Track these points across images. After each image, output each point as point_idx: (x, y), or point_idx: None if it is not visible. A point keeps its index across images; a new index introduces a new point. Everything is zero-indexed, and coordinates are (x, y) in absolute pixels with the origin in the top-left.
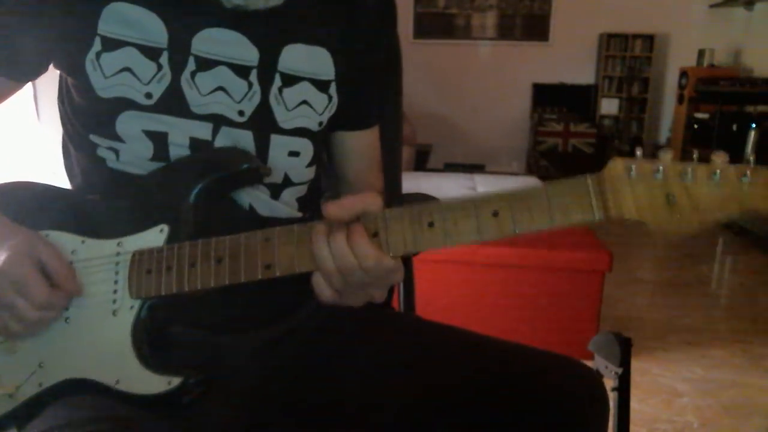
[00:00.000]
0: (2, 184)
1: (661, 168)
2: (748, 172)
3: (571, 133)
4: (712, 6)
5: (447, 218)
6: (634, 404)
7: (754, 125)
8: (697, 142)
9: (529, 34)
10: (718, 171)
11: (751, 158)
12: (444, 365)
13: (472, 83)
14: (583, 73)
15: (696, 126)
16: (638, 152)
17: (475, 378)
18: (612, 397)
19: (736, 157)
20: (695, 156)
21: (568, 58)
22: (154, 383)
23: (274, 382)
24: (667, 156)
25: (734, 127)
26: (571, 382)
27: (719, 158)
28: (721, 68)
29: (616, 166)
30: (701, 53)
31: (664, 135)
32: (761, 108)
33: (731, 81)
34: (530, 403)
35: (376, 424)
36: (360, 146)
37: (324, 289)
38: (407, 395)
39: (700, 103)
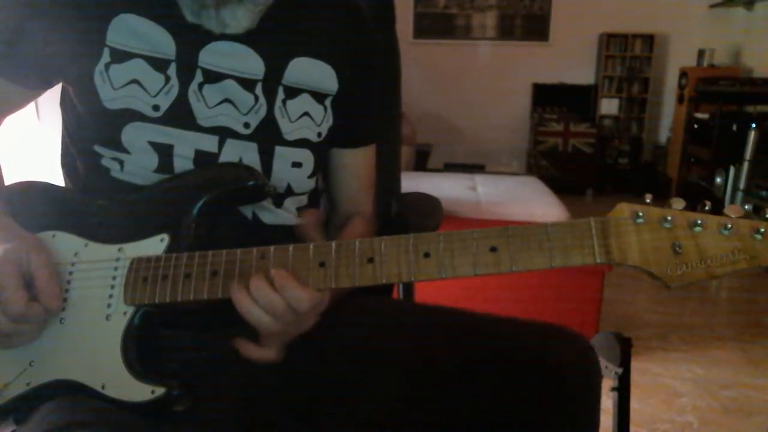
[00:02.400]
0: (15, 183)
1: (670, 217)
2: (763, 229)
3: (571, 133)
4: (712, 6)
5: (444, 250)
6: (634, 404)
7: (754, 125)
8: (697, 142)
9: (529, 34)
10: (729, 224)
11: (767, 215)
12: (439, 346)
13: (472, 83)
14: (583, 73)
15: (696, 126)
16: (648, 199)
17: (469, 354)
18: (612, 397)
19: (737, 157)
20: (707, 207)
21: (568, 58)
22: (137, 391)
23: (268, 377)
24: (677, 204)
25: (734, 127)
26: (560, 349)
27: (733, 212)
28: (721, 68)
29: (623, 210)
30: (701, 53)
31: (664, 135)
32: (761, 108)
33: (731, 81)
34: (521, 373)
35: (376, 417)
36: (353, 164)
37: (258, 352)
38: (406, 387)
39: (700, 103)
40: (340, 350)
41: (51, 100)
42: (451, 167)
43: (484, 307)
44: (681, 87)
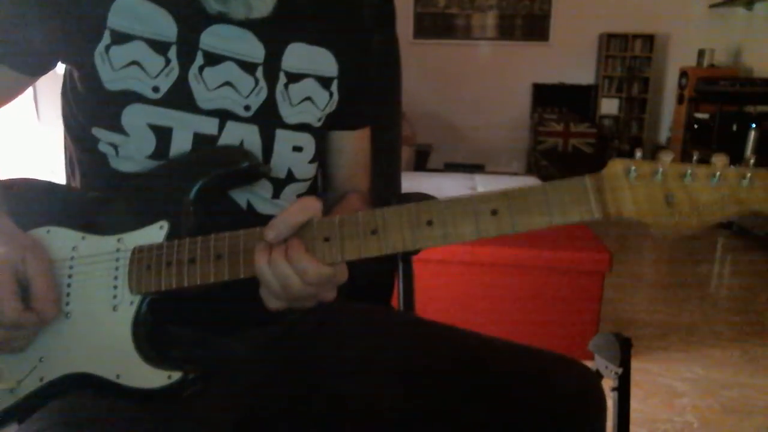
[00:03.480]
0: (5, 180)
1: (660, 169)
2: (748, 174)
3: (571, 133)
4: (712, 6)
5: (446, 216)
6: (634, 404)
7: (754, 125)
8: (697, 142)
9: (529, 34)
10: (717, 173)
11: (752, 161)
12: (440, 364)
13: (472, 83)
14: (583, 73)
15: (696, 126)
16: (638, 154)
17: (472, 377)
18: (612, 397)
19: (737, 157)
20: (695, 158)
21: (568, 58)
22: (154, 378)
23: (273, 379)
24: (667, 157)
25: (734, 127)
26: (568, 381)
27: (719, 160)
28: (721, 68)
29: (615, 166)
30: (701, 53)
31: (664, 135)
32: (761, 108)
33: (731, 81)
34: (525, 402)
35: (373, 420)
36: (350, 146)
37: (271, 302)
38: (403, 393)
39: (700, 103)
40: (339, 358)
41: (51, 100)
42: (451, 167)
43: (485, 304)
44: (681, 87)
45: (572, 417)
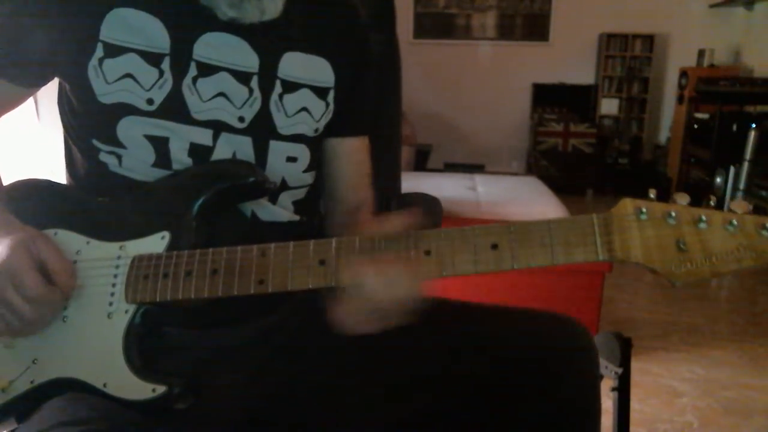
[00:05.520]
0: (16, 181)
1: (674, 213)
2: None
3: (571, 133)
4: (712, 6)
5: (444, 247)
6: (634, 404)
7: (754, 125)
8: (697, 142)
9: (529, 34)
10: (735, 220)
11: None
12: (433, 337)
13: (472, 83)
14: (583, 73)
15: (696, 126)
16: (652, 194)
17: (463, 344)
18: (612, 397)
19: (737, 157)
20: (712, 202)
21: (568, 58)
22: (139, 389)
23: (268, 373)
24: (682, 200)
25: (734, 127)
26: (556, 334)
27: (739, 207)
28: (721, 68)
29: (626, 206)
30: (701, 53)
31: (664, 135)
32: (761, 108)
33: (731, 81)
34: (517, 360)
35: (372, 408)
36: (349, 154)
37: (357, 323)
38: (398, 374)
39: (700, 103)
40: (340, 347)
41: (51, 100)
42: (451, 167)
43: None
44: (681, 87)
45: (564, 372)
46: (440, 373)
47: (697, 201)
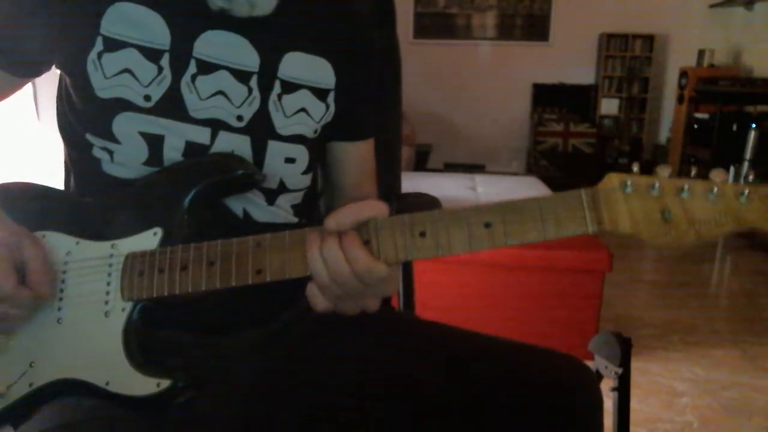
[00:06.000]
0: (1, 183)
1: (657, 184)
2: (746, 191)
3: (571, 133)
4: (712, 6)
5: (439, 228)
6: (634, 404)
7: (754, 125)
8: (697, 142)
9: (529, 34)
10: (715, 188)
11: (750, 177)
12: (437, 362)
13: (472, 83)
14: (583, 73)
15: (696, 126)
16: (635, 167)
17: (465, 376)
18: (612, 397)
19: (737, 157)
20: (693, 173)
21: (568, 58)
22: (143, 385)
23: (268, 380)
24: (664, 172)
25: (734, 127)
26: (562, 375)
27: (717, 176)
28: (721, 68)
29: (612, 180)
30: (701, 53)
31: (664, 135)
32: (761, 108)
33: (731, 81)
34: (521, 398)
35: (370, 419)
36: (355, 157)
37: (318, 299)
38: (400, 391)
39: (700, 103)
40: (341, 357)
41: (51, 100)
42: (451, 167)
43: (485, 304)
44: (681, 87)
45: (566, 411)
46: (443, 395)
47: (681, 172)
